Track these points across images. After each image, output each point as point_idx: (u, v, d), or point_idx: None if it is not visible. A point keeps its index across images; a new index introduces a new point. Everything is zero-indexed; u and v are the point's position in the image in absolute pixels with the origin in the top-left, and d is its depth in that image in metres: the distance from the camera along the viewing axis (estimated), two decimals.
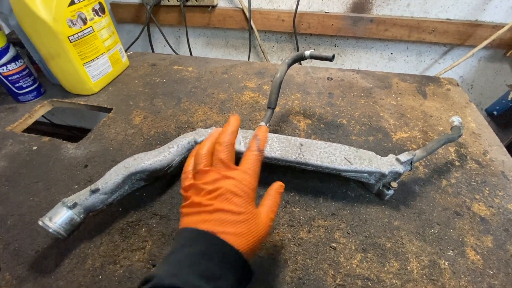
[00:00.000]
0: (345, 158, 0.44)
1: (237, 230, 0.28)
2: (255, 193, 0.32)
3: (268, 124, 0.54)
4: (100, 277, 0.38)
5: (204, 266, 0.26)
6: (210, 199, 0.30)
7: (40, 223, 0.37)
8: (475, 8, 0.77)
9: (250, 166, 0.32)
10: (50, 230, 0.36)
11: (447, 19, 0.81)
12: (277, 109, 0.66)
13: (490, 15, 0.78)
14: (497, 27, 0.76)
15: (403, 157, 0.44)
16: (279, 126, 0.62)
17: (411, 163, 0.44)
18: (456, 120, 0.52)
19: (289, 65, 0.56)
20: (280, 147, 0.46)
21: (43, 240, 0.42)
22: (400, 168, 0.43)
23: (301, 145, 0.46)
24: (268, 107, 0.56)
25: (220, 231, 0.28)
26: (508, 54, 0.80)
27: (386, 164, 0.43)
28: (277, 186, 0.35)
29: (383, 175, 0.43)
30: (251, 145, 0.34)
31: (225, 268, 0.26)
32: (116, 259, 0.40)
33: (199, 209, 0.30)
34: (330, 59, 0.50)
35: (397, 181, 0.45)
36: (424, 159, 0.54)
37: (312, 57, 0.53)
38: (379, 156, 0.45)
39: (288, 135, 0.60)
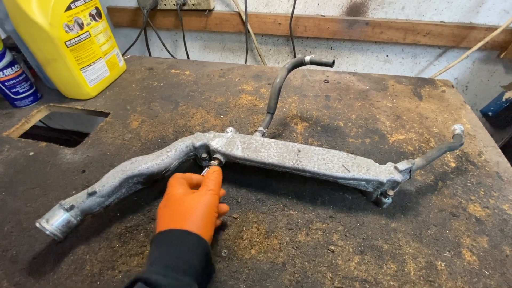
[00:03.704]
0: (343, 165, 0.44)
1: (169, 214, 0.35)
2: (184, 187, 0.38)
3: (266, 129, 0.54)
4: (98, 283, 0.38)
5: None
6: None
7: (37, 225, 0.37)
8: (469, 11, 0.78)
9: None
10: (47, 232, 0.37)
11: (441, 21, 0.82)
12: (275, 112, 0.66)
13: (484, 17, 0.79)
14: (490, 29, 0.77)
15: (402, 165, 0.43)
16: (276, 129, 0.63)
17: (410, 172, 0.43)
18: (458, 128, 0.51)
19: (289, 71, 0.56)
20: (278, 153, 0.46)
21: (40, 246, 0.42)
22: (398, 177, 0.42)
23: (299, 151, 0.46)
24: (268, 112, 0.56)
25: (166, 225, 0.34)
26: (502, 56, 0.81)
27: (384, 172, 0.43)
28: (211, 168, 0.42)
29: (381, 184, 0.43)
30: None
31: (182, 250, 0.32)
32: (114, 264, 0.40)
33: None
34: (330, 65, 0.50)
35: (395, 190, 0.44)
36: None
37: (312, 62, 0.53)
38: (377, 164, 0.45)
39: (286, 138, 0.60)
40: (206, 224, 0.35)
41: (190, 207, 0.35)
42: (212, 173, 0.40)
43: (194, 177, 0.42)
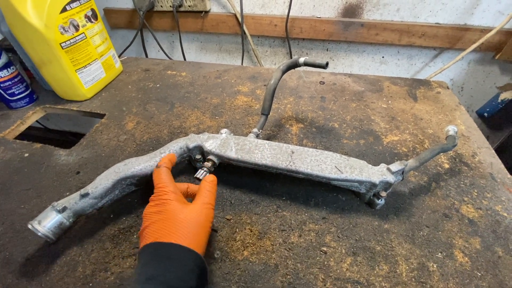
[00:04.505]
0: (336, 166, 0.44)
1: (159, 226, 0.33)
2: (178, 194, 0.37)
3: (261, 130, 0.54)
4: (90, 284, 0.38)
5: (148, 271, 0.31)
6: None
7: (29, 226, 0.37)
8: (464, 12, 0.79)
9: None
10: (39, 234, 0.37)
11: (436, 23, 0.82)
12: (270, 113, 0.67)
13: (478, 19, 0.79)
14: (485, 30, 0.77)
15: (394, 167, 0.43)
16: (271, 130, 0.63)
17: (402, 173, 0.43)
18: (451, 129, 0.51)
19: (283, 72, 0.57)
20: (271, 154, 0.46)
21: (33, 248, 0.42)
22: (391, 178, 0.43)
23: (292, 152, 0.46)
24: (262, 113, 0.57)
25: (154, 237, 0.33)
26: (497, 57, 0.82)
27: (377, 174, 0.43)
28: (207, 177, 0.41)
29: (373, 185, 0.43)
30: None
31: (165, 265, 0.30)
32: (107, 266, 0.40)
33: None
34: (324, 66, 0.51)
35: (387, 191, 0.44)
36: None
37: (306, 64, 0.53)
38: (370, 165, 0.45)
39: (281, 139, 0.60)
40: (202, 240, 0.34)
41: (187, 220, 0.34)
42: (209, 183, 0.39)
43: (187, 186, 0.42)
